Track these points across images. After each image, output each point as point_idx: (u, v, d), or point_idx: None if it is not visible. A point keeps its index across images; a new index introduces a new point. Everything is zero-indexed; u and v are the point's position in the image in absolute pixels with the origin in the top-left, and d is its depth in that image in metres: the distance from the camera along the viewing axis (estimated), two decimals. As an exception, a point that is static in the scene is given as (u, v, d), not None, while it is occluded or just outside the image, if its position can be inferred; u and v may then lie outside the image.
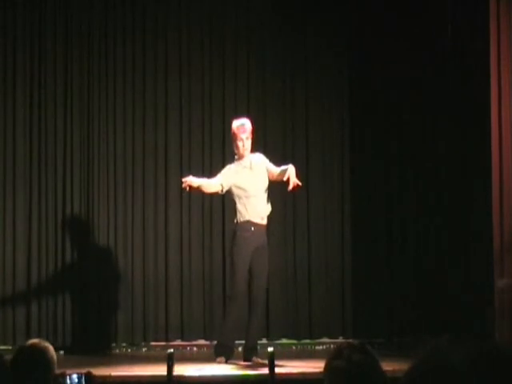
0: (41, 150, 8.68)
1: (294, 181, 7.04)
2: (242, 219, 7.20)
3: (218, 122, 8.80)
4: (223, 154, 8.59)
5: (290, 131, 9.04)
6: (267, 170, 7.32)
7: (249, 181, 7.25)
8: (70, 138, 8.70)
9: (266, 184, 7.35)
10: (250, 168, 7.31)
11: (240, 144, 7.25)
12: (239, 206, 7.23)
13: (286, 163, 8.91)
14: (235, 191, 7.26)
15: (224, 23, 9.03)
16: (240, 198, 7.23)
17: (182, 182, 7.22)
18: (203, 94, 8.96)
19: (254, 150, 7.45)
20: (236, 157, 7.36)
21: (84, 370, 3.79)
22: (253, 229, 7.18)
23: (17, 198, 8.63)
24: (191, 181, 7.13)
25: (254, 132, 7.47)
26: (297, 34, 9.05)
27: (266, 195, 7.33)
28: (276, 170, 7.27)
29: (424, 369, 1.62)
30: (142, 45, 8.90)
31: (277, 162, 8.96)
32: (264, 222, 7.28)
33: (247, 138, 7.27)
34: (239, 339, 7.38)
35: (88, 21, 8.80)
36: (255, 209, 7.21)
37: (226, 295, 7.41)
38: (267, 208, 7.35)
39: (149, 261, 8.75)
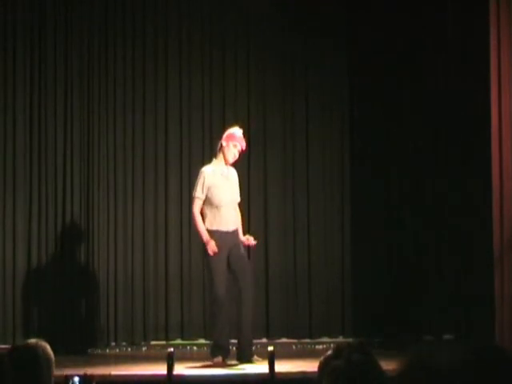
0: (41, 149, 8.68)
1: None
2: (209, 227, 7.16)
3: (218, 122, 8.79)
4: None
5: (289, 131, 9.03)
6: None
7: (223, 190, 7.23)
8: (70, 137, 8.70)
9: (238, 197, 7.38)
10: (227, 178, 7.30)
11: (233, 150, 7.24)
12: (208, 214, 7.19)
13: (285, 163, 8.97)
14: (208, 196, 7.20)
15: (224, 23, 9.03)
16: (211, 205, 7.18)
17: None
18: (203, 94, 8.96)
19: (250, 153, 7.43)
20: (214, 159, 7.32)
21: (84, 371, 3.80)
22: (220, 236, 7.13)
23: (17, 198, 8.63)
24: (214, 244, 7.09)
25: (251, 137, 7.47)
26: (297, 34, 9.05)
27: (236, 206, 7.35)
28: None
29: (414, 371, 1.62)
30: (142, 44, 8.90)
31: (277, 161, 9.01)
32: (233, 228, 7.23)
33: (239, 151, 7.28)
34: (233, 338, 7.37)
35: (88, 21, 8.79)
36: (223, 219, 7.18)
37: (209, 299, 7.38)
38: (237, 217, 7.32)
39: (149, 261, 8.76)
